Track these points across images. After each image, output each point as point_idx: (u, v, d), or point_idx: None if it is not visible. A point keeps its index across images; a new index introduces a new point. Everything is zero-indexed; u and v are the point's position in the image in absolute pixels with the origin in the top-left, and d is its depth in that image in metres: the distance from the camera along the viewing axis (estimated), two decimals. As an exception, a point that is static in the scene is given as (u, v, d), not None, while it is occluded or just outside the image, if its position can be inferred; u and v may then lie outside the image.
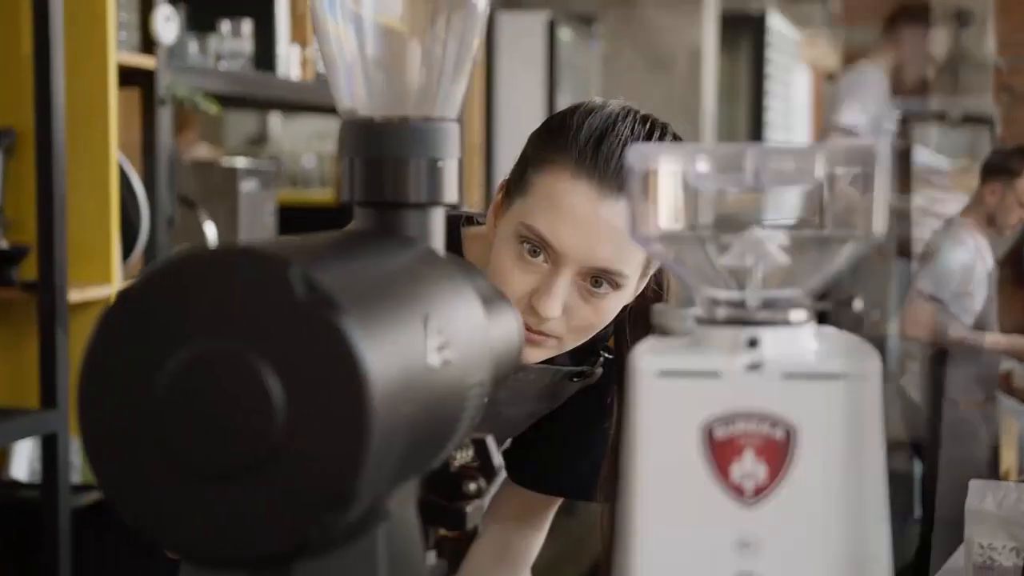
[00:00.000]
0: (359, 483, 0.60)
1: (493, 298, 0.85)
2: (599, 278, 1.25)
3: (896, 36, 4.51)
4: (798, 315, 0.70)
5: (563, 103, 6.39)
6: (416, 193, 0.80)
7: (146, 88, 2.66)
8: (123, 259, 2.59)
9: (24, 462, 2.61)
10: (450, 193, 0.81)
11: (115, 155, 2.49)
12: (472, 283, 0.81)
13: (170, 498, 0.61)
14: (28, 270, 2.40)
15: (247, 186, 3.08)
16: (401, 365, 0.64)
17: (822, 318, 0.72)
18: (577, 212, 1.22)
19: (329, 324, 0.60)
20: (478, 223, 1.43)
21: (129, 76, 2.63)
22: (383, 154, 0.80)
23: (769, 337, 0.69)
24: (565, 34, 4.86)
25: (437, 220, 0.82)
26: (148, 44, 2.66)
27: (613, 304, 1.27)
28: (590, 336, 1.30)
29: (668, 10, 5.44)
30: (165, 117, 2.68)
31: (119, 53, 2.54)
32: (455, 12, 0.81)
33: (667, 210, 0.71)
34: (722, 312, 0.71)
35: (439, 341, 0.69)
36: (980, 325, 4.32)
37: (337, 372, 0.59)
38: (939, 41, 4.55)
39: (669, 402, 0.68)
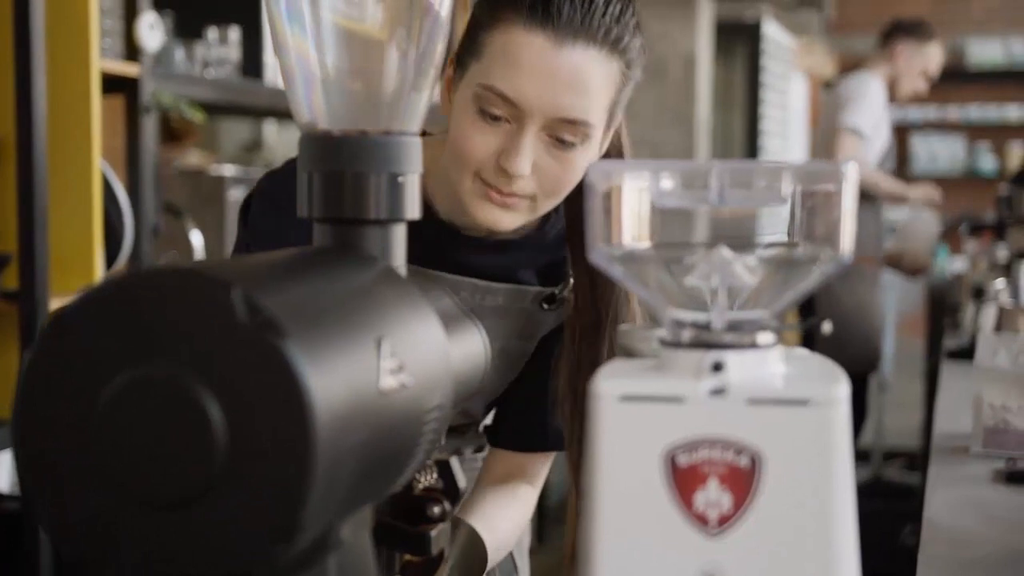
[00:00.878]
0: (304, 513, 0.58)
1: (455, 316, 0.83)
2: (564, 135, 1.23)
3: (891, 50, 4.53)
4: (765, 338, 0.68)
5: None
6: (376, 209, 0.77)
7: (130, 96, 2.63)
8: (107, 268, 2.56)
9: (5, 473, 2.58)
10: (411, 209, 0.79)
11: (98, 163, 2.47)
12: (433, 302, 0.78)
13: (108, 526, 0.59)
14: (9, 279, 2.37)
15: (235, 194, 3.05)
16: (350, 390, 0.61)
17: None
18: (535, 63, 1.20)
19: (272, 348, 0.57)
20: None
21: (113, 83, 2.60)
22: (342, 168, 0.77)
23: (735, 361, 0.66)
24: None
25: (398, 236, 0.79)
26: (133, 51, 2.64)
27: (581, 159, 1.25)
28: (561, 197, 1.28)
29: (662, 18, 5.42)
30: (149, 125, 2.66)
31: (103, 60, 2.51)
32: (417, 22, 0.79)
33: (629, 228, 0.69)
34: (687, 334, 0.68)
35: (393, 364, 0.67)
36: (881, 167, 4.47)
37: (280, 398, 0.57)
38: (935, 55, 4.56)
39: (631, 428, 0.66)
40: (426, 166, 1.32)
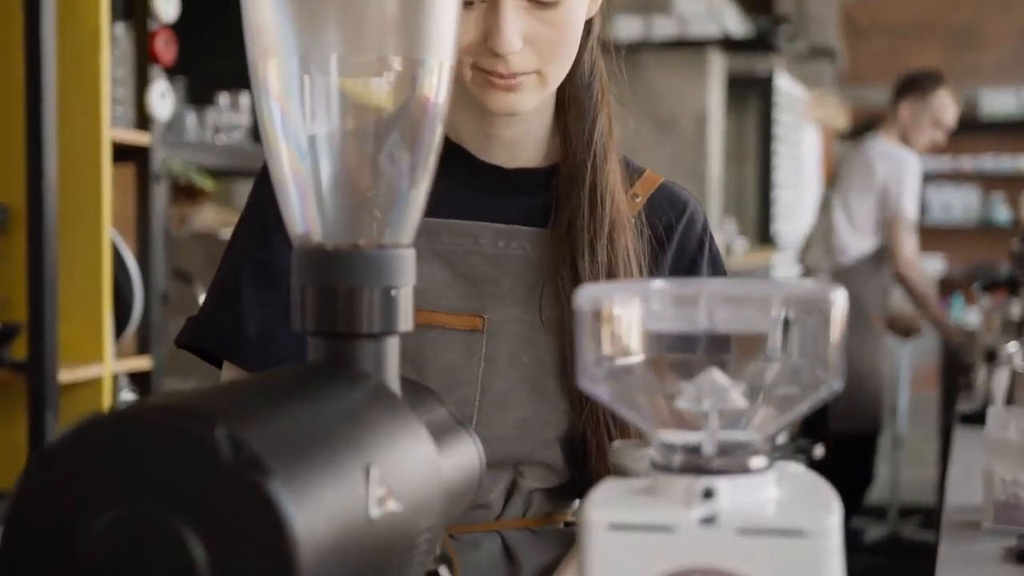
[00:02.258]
0: (289, 652, 0.57)
1: (448, 427, 0.83)
2: None
3: (897, 109, 4.54)
4: (757, 462, 0.68)
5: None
6: (369, 323, 0.77)
7: (141, 164, 2.65)
8: (116, 337, 2.57)
9: None
10: (405, 322, 0.79)
11: (108, 232, 2.48)
12: (424, 415, 0.78)
13: (92, 665, 0.59)
14: (18, 349, 2.37)
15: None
16: (337, 523, 0.61)
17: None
18: None
19: (255, 487, 0.57)
20: None
21: (124, 152, 2.62)
22: (335, 283, 0.77)
23: (726, 487, 0.66)
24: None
25: (391, 350, 0.79)
26: (144, 120, 2.66)
27: (572, 13, 1.17)
28: (568, 60, 1.20)
29: (673, 74, 5.44)
30: (160, 193, 2.67)
31: (114, 130, 2.53)
32: (410, 127, 0.79)
33: (618, 351, 0.69)
34: (677, 459, 0.68)
35: (383, 491, 0.66)
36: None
37: (264, 537, 0.57)
38: (942, 104, 4.56)
39: (621, 556, 0.65)
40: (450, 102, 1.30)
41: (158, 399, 0.60)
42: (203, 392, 0.64)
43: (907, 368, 5.79)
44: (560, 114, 1.29)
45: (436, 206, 1.27)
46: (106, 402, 2.51)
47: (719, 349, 0.69)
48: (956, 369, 4.61)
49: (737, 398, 0.68)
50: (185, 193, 3.51)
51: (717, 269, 1.31)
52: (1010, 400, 2.84)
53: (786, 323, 0.68)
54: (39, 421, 2.30)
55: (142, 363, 2.69)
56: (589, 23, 1.27)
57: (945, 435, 4.46)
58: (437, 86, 0.80)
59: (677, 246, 1.31)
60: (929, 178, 10.09)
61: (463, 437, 0.84)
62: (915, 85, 4.52)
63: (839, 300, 0.66)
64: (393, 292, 0.78)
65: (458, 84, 1.21)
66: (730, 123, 6.58)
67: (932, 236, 10.13)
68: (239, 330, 1.24)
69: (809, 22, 9.52)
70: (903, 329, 4.86)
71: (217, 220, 3.79)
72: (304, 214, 0.79)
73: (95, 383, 2.50)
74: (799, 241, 8.10)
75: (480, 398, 1.22)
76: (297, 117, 0.78)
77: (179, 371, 2.79)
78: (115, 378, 2.62)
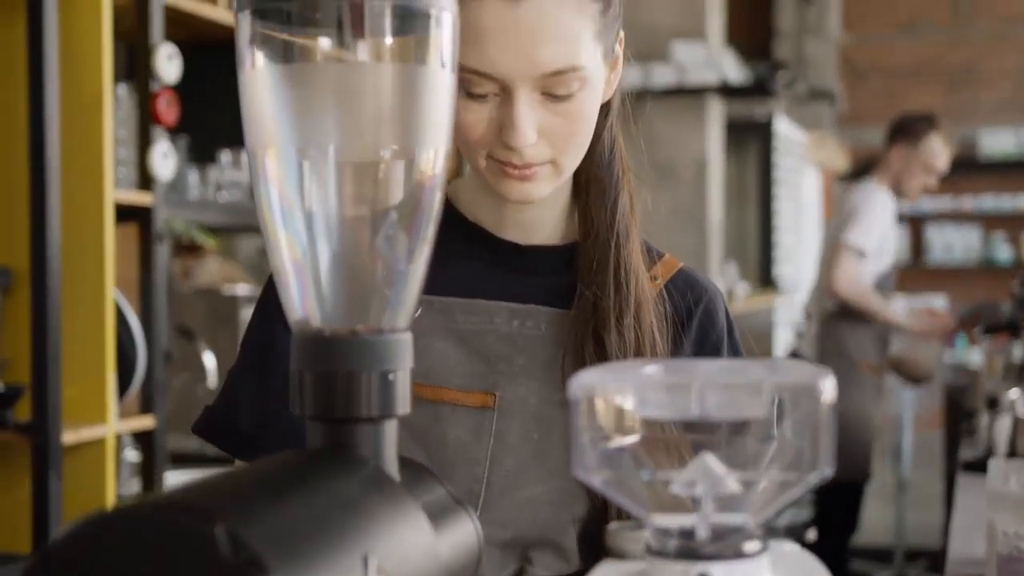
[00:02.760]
0: None
1: (447, 507, 0.83)
2: (557, 89, 1.14)
3: (888, 154, 4.57)
4: (751, 546, 0.68)
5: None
6: (367, 408, 0.78)
7: (143, 223, 2.67)
8: (120, 396, 2.58)
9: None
10: (402, 405, 0.80)
11: (111, 294, 2.49)
12: (422, 496, 0.79)
13: None
14: (22, 411, 2.38)
15: (247, 314, 3.07)
16: (335, 616, 0.62)
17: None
18: (496, 27, 1.11)
19: (256, 587, 0.58)
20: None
21: (127, 212, 2.64)
22: (333, 368, 0.78)
23: (720, 572, 0.67)
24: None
25: (389, 433, 0.80)
26: (146, 180, 2.68)
27: (586, 104, 1.17)
28: (582, 149, 1.19)
29: (672, 121, 5.47)
30: (162, 252, 2.69)
31: (117, 191, 2.55)
32: (406, 224, 0.81)
33: (612, 438, 0.70)
34: (672, 544, 0.69)
35: (380, 580, 0.67)
36: (878, 288, 4.45)
37: (264, 635, 0.58)
38: (932, 148, 4.55)
39: (617, 644, 0.66)
40: (467, 182, 1.31)
41: (158, 496, 0.61)
42: (203, 486, 0.65)
43: (911, 410, 5.79)
44: (579, 193, 1.28)
45: (453, 284, 1.28)
46: (110, 463, 2.51)
47: (712, 434, 0.70)
48: (959, 412, 4.61)
49: (731, 483, 0.69)
50: (189, 246, 3.53)
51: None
52: (1013, 448, 2.84)
53: (778, 408, 0.69)
54: (43, 483, 2.31)
55: (146, 422, 2.70)
56: (607, 104, 1.26)
57: (949, 479, 4.45)
58: (433, 173, 0.81)
59: (697, 334, 1.30)
60: (930, 218, 10.13)
61: (462, 517, 0.84)
62: (906, 130, 4.54)
63: (827, 387, 0.67)
64: (391, 376, 0.79)
65: (475, 167, 1.22)
66: (730, 167, 6.61)
67: (934, 276, 10.16)
68: (234, 423, 1.27)
69: (808, 65, 9.58)
70: (910, 375, 4.85)
71: (221, 273, 3.81)
72: (302, 300, 0.80)
73: (99, 443, 2.51)
74: (800, 284, 8.13)
75: (488, 475, 1.22)
76: (295, 205, 0.79)
77: (182, 428, 2.79)
78: (118, 437, 2.63)
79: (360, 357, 0.78)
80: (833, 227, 4.60)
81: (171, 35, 2.80)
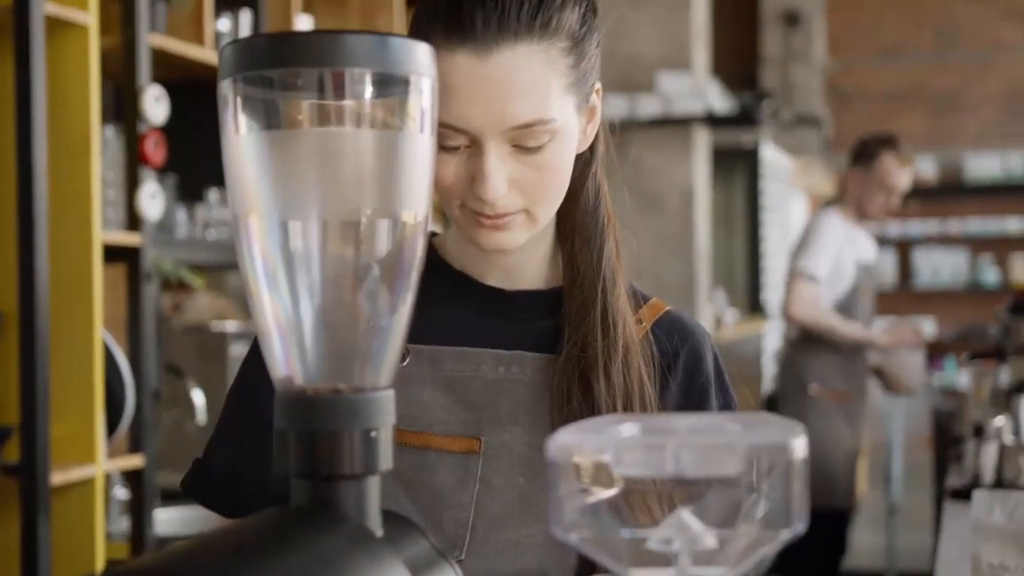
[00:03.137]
0: None
1: (430, 561, 0.85)
2: (527, 142, 1.15)
3: (848, 178, 4.60)
4: (727, 603, 0.70)
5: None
6: (350, 465, 0.80)
7: (132, 263, 2.68)
8: (108, 436, 2.59)
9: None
10: (385, 461, 0.81)
11: (99, 335, 2.50)
12: (405, 550, 0.80)
13: None
14: (10, 452, 2.39)
15: (238, 350, 3.08)
16: None
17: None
18: (465, 83, 1.13)
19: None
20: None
21: (115, 252, 2.65)
22: (317, 427, 0.80)
23: (696, 628, 0.68)
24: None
25: (372, 489, 0.81)
26: (134, 220, 2.69)
27: (558, 155, 1.18)
28: (556, 198, 1.20)
29: (659, 151, 5.50)
30: (150, 292, 2.70)
31: (105, 232, 2.56)
32: (387, 285, 0.82)
33: (589, 496, 0.71)
34: (650, 600, 0.70)
35: (363, 640, 0.69)
36: (842, 312, 4.43)
37: None
38: (886, 168, 4.49)
39: None
40: (454, 231, 1.31)
41: (144, 560, 0.63)
42: (187, 549, 0.66)
43: (901, 434, 5.81)
44: (563, 239, 1.29)
45: (441, 332, 1.29)
46: (99, 503, 2.52)
47: (688, 491, 0.72)
48: (948, 436, 4.62)
49: (707, 538, 0.71)
50: (179, 281, 3.54)
51: (728, 401, 1.31)
52: (999, 476, 2.85)
53: (754, 465, 0.70)
54: (31, 524, 2.31)
55: (135, 461, 2.71)
56: (591, 150, 1.28)
57: (938, 503, 4.46)
58: (413, 233, 0.83)
59: (684, 377, 1.30)
60: (918, 242, 10.17)
61: (445, 570, 0.86)
62: (861, 153, 4.53)
63: (799, 445, 0.68)
64: (373, 434, 0.80)
65: (450, 216, 1.23)
66: (717, 195, 6.64)
67: (921, 299, 10.20)
68: (216, 482, 1.30)
69: (794, 90, 9.64)
70: (892, 386, 4.84)
71: (211, 308, 3.82)
72: (286, 359, 0.82)
73: (88, 484, 2.51)
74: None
75: (474, 520, 1.23)
76: (278, 267, 0.81)
77: (171, 465, 2.80)
78: (107, 477, 2.64)
79: (343, 416, 0.80)
80: (790, 255, 4.62)
81: (158, 74, 2.82)
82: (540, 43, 1.15)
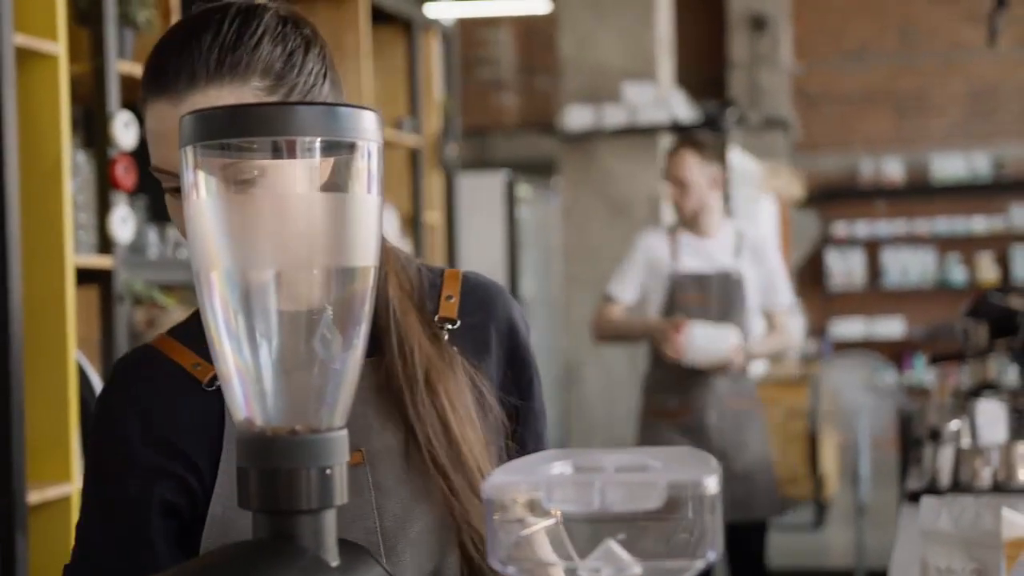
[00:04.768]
0: None
1: (385, 588, 0.91)
2: (237, 174, 1.16)
3: None
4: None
5: (524, 256, 6.53)
6: (308, 501, 0.86)
7: (104, 286, 2.73)
8: (82, 454, 2.64)
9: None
10: (340, 495, 0.88)
11: (73, 356, 2.56)
12: (362, 579, 0.87)
13: None
14: (-13, 473, 2.44)
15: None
16: None
17: None
18: (164, 128, 1.20)
19: None
20: None
21: (88, 274, 2.71)
22: (275, 465, 0.86)
23: (621, 650, 0.75)
24: (524, 190, 4.98)
25: (329, 522, 0.88)
26: (106, 243, 2.74)
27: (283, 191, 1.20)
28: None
29: (625, 158, 5.58)
30: (123, 313, 2.75)
31: (77, 256, 2.62)
32: (339, 333, 0.89)
33: (523, 531, 0.78)
34: (579, 625, 0.77)
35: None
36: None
37: None
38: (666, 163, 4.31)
39: None
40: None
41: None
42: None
43: (867, 434, 5.90)
44: None
45: None
46: (74, 520, 2.57)
47: (614, 524, 0.79)
48: (911, 437, 4.69)
49: (632, 567, 0.77)
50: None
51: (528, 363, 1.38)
52: (955, 479, 2.92)
53: (673, 499, 0.77)
54: (9, 543, 2.36)
55: (110, 477, 2.76)
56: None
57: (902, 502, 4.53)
58: (363, 282, 0.89)
59: (501, 346, 1.37)
60: (886, 242, 10.29)
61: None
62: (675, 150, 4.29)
63: (712, 482, 0.75)
64: (328, 471, 0.87)
65: None
66: (685, 200, 6.71)
67: (890, 299, 10.32)
68: None
69: (762, 94, 9.74)
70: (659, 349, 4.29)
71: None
72: (246, 402, 0.88)
73: (63, 502, 2.57)
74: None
75: (381, 524, 1.27)
76: (238, 318, 0.87)
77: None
78: (83, 494, 2.69)
79: (300, 455, 0.86)
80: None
81: (127, 98, 2.87)
82: (230, 84, 1.21)
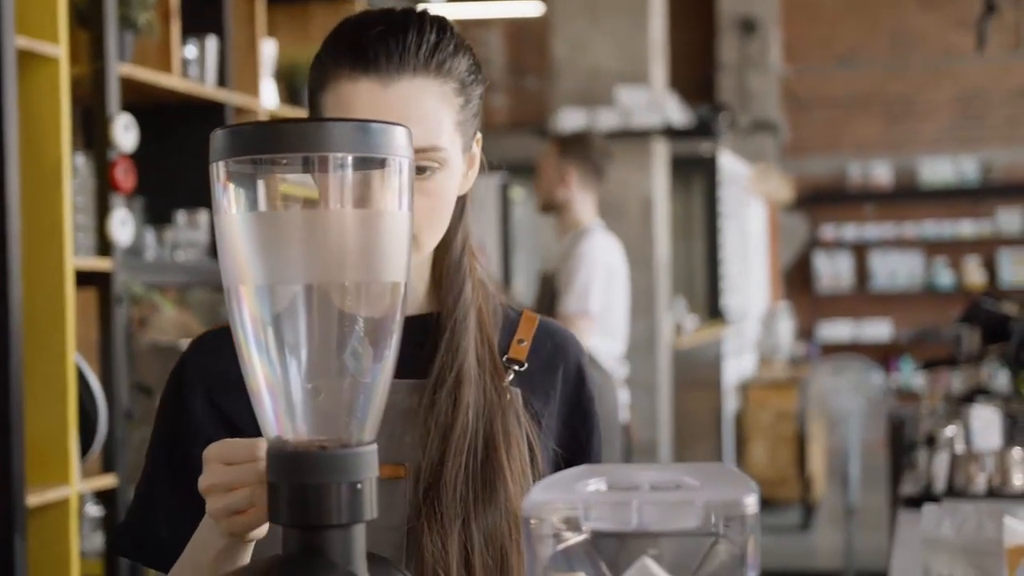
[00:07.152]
0: None
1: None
2: (418, 163, 1.19)
3: None
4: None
5: (518, 260, 6.53)
6: (338, 515, 0.87)
7: (103, 287, 2.73)
8: (82, 456, 2.63)
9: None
10: (370, 510, 0.88)
11: (72, 358, 2.55)
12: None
13: None
14: (-14, 476, 2.43)
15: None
16: None
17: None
18: (367, 105, 1.22)
19: None
20: None
21: (86, 277, 2.70)
22: (306, 480, 0.86)
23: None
24: (517, 193, 4.98)
25: (359, 537, 0.88)
26: (105, 245, 2.74)
27: (444, 185, 1.25)
28: (440, 227, 1.27)
29: (618, 162, 5.56)
30: (121, 315, 2.75)
31: (76, 258, 2.61)
32: (370, 350, 0.89)
33: (559, 548, 0.78)
34: (614, 642, 0.77)
35: None
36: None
37: None
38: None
39: None
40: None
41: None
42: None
43: (858, 436, 5.91)
44: (435, 276, 1.34)
45: None
46: (73, 522, 2.57)
47: (651, 542, 0.79)
48: (902, 439, 4.70)
49: (666, 584, 0.78)
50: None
51: (590, 411, 1.38)
52: (950, 484, 2.93)
53: (710, 518, 0.77)
54: (8, 545, 2.35)
55: (108, 480, 2.75)
56: (463, 199, 1.34)
57: (894, 505, 4.55)
58: (393, 297, 0.90)
59: (566, 392, 1.37)
60: (874, 245, 10.31)
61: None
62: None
63: (751, 501, 0.76)
64: (359, 486, 0.87)
65: None
66: (676, 203, 6.73)
67: (878, 302, 10.34)
68: (155, 539, 1.28)
69: (751, 97, 9.75)
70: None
71: (177, 324, 3.86)
72: (277, 420, 0.89)
73: (62, 504, 2.56)
74: (747, 313, 8.26)
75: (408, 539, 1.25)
76: (268, 334, 0.87)
77: (143, 484, 2.84)
78: (81, 497, 2.68)
79: (331, 470, 0.87)
80: None
81: (127, 101, 2.86)
82: (435, 80, 1.24)
